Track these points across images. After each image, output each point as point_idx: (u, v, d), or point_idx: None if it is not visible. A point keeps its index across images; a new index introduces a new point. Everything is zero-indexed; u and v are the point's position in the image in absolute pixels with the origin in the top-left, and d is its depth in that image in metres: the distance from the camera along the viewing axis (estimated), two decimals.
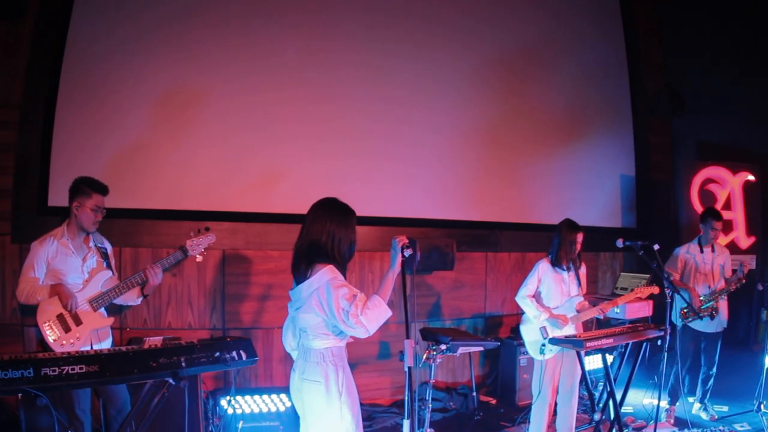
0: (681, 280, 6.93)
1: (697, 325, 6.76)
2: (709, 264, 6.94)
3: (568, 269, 5.91)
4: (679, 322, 6.80)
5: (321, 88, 7.26)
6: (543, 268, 5.91)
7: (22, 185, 6.14)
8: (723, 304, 6.91)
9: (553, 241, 5.96)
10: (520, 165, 8.54)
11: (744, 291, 8.48)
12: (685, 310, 6.71)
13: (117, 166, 6.32)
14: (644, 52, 9.68)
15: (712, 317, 6.65)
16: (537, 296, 5.91)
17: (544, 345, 5.64)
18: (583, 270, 6.05)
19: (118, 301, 4.80)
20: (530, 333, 5.86)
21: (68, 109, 6.23)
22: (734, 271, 6.89)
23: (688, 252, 7.05)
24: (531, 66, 8.65)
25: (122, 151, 6.40)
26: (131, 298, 4.87)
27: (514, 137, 8.51)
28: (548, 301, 5.88)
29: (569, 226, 5.91)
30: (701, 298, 6.75)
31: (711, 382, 7.00)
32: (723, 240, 8.56)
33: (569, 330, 5.74)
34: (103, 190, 4.73)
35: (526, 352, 6.08)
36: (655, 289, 5.96)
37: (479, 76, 8.19)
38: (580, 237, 5.90)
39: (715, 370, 6.98)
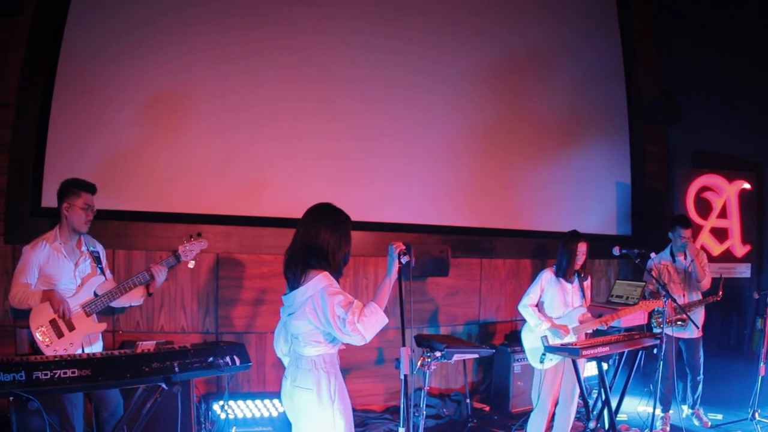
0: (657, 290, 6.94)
1: (673, 331, 6.73)
2: (683, 272, 6.93)
3: (572, 281, 5.89)
4: (654, 329, 6.80)
5: (318, 87, 7.19)
6: (546, 277, 5.92)
7: (15, 185, 6.07)
8: (699, 312, 6.89)
9: (558, 252, 5.97)
10: (515, 170, 8.50)
11: (738, 299, 8.51)
12: (657, 317, 6.71)
13: (112, 167, 6.27)
14: (641, 59, 9.66)
15: (681, 326, 6.65)
16: (539, 305, 5.90)
17: (544, 354, 5.61)
18: (588, 282, 6.05)
19: (119, 302, 4.78)
20: (531, 341, 5.85)
21: (63, 110, 6.16)
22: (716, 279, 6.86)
23: (659, 263, 7.05)
24: (529, 70, 8.62)
25: (117, 152, 6.34)
26: (135, 298, 4.86)
27: (511, 142, 8.48)
28: (550, 311, 5.88)
29: (571, 236, 5.93)
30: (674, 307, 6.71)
31: (700, 388, 7.00)
32: (718, 248, 8.58)
33: (570, 340, 5.71)
34: (91, 188, 4.72)
35: (521, 359, 6.07)
36: (660, 303, 5.93)
37: (475, 81, 8.15)
38: (583, 247, 5.89)
39: (701, 376, 6.99)
